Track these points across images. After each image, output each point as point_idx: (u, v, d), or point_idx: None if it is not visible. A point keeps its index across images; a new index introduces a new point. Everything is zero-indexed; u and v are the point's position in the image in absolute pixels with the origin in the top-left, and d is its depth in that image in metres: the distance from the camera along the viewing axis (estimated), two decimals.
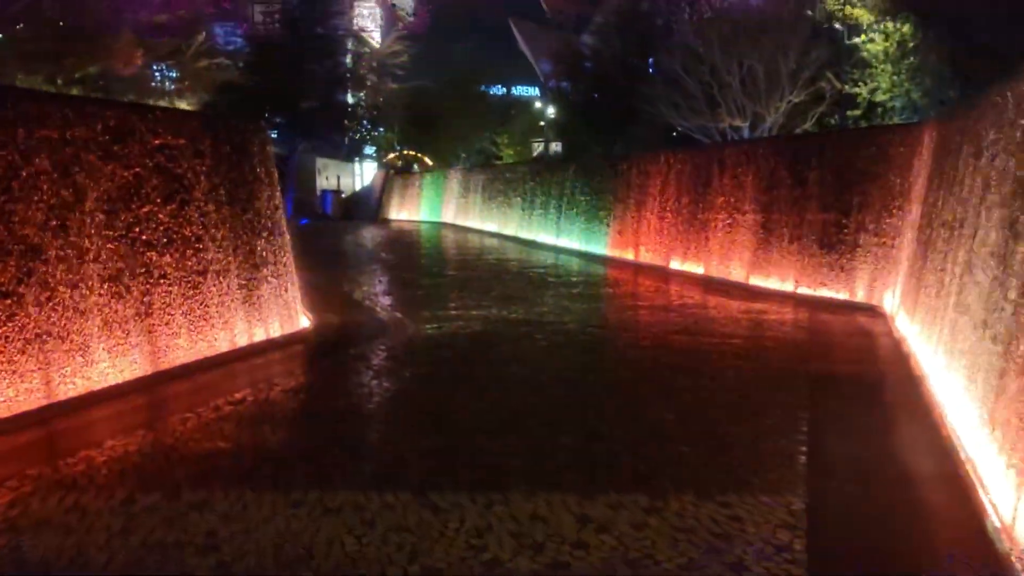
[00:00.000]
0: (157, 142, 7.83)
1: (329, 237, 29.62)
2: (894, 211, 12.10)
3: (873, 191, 12.52)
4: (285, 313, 10.03)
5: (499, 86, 55.31)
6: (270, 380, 7.98)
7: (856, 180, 12.81)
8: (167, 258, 7.83)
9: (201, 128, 8.68)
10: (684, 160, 17.39)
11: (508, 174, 28.34)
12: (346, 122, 44.29)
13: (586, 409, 7.01)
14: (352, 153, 53.69)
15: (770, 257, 14.45)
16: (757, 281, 14.63)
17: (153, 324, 7.61)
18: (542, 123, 55.23)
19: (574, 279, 17.02)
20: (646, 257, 18.49)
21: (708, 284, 15.58)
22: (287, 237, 10.54)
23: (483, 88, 52.56)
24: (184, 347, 8.08)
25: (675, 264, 17.33)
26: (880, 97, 20.13)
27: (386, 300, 13.83)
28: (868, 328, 10.96)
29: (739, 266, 15.24)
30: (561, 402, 7.26)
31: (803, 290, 13.57)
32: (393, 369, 8.83)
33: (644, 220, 18.70)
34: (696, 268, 16.59)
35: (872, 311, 12.14)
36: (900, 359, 8.78)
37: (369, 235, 31.81)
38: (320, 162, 51.76)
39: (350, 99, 45.60)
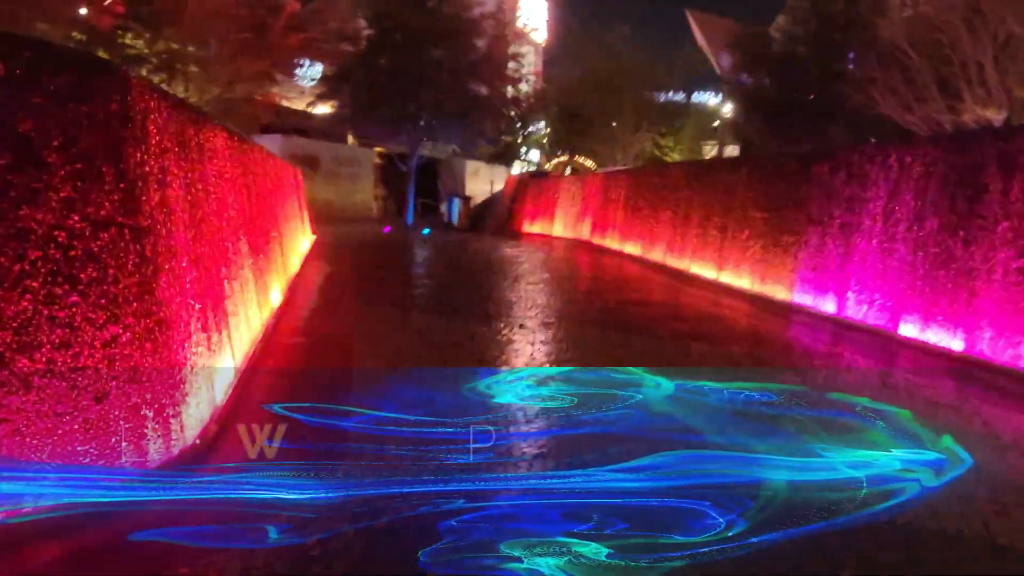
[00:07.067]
0: None
1: (426, 259, 22.99)
2: None
3: None
4: None
5: (675, 92, 49.85)
6: None
7: None
8: None
9: None
10: (930, 157, 10.47)
11: (656, 179, 21.46)
12: (489, 121, 38.40)
13: None
14: (504, 155, 48.51)
15: None
16: None
17: None
18: (716, 123, 48.21)
19: (777, 361, 9.73)
20: (858, 313, 11.56)
21: None
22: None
23: (656, 93, 46.84)
24: None
25: (909, 328, 10.43)
26: None
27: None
28: None
29: None
30: None
31: None
32: None
33: (855, 251, 11.84)
34: (949, 340, 9.67)
35: None
36: None
37: (477, 258, 23.32)
38: (472, 165, 46.59)
39: (504, 92, 39.19)
